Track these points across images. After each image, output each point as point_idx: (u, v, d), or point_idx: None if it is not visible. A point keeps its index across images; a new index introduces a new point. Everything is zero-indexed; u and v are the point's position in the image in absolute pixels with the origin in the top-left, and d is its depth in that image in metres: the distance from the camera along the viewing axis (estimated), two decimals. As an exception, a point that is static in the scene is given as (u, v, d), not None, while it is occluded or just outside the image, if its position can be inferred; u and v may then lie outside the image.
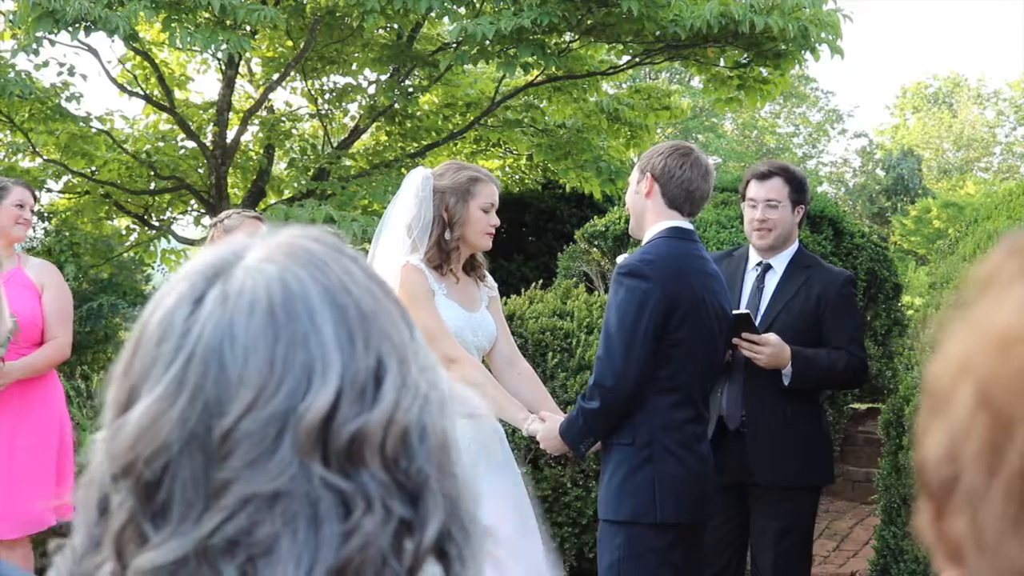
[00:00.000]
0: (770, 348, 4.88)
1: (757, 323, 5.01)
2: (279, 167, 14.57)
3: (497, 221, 4.83)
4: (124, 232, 14.61)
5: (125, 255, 14.29)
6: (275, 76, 12.83)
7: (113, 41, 10.45)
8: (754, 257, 5.31)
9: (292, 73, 12.87)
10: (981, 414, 0.64)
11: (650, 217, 4.58)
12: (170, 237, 14.07)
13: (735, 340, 4.89)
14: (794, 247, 5.29)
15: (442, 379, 1.13)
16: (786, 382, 4.99)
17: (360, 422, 1.03)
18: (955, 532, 0.65)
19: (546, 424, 4.55)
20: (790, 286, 5.20)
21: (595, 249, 9.14)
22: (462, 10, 11.16)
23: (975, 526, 0.64)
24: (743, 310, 4.99)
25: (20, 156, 12.64)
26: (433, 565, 1.08)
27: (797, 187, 5.22)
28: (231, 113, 12.99)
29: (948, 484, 0.66)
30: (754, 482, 5.11)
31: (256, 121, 13.51)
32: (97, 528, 1.07)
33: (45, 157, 12.66)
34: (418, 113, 13.57)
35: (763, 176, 5.21)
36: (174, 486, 1.03)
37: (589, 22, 11.21)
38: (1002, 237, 0.68)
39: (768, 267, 5.27)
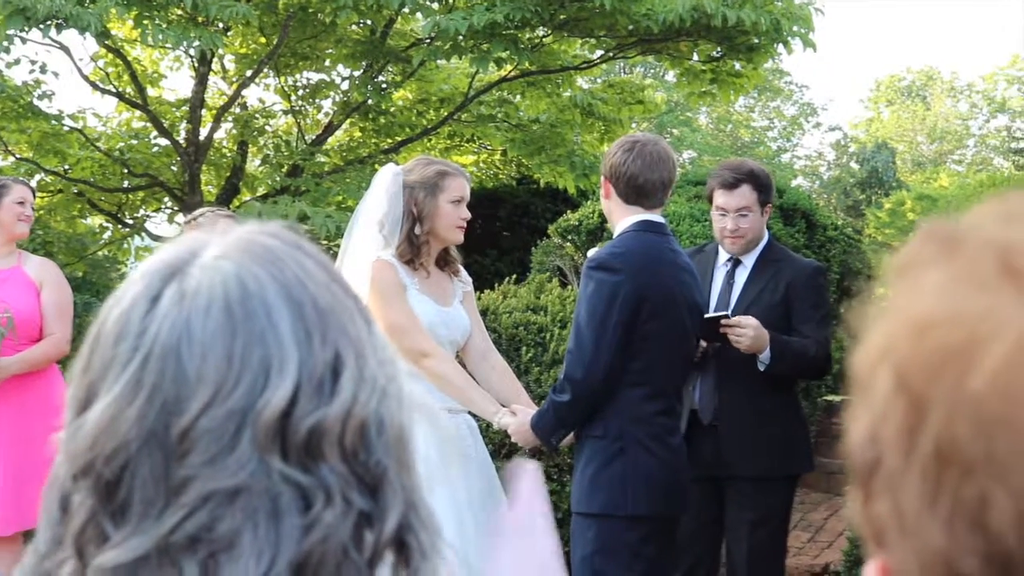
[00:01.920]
0: (752, 330, 4.88)
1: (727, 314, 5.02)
2: (253, 164, 14.54)
3: (468, 214, 4.82)
4: (98, 230, 14.55)
5: (99, 253, 14.23)
6: (248, 73, 12.80)
7: (85, 38, 10.41)
8: (724, 253, 5.29)
9: (265, 70, 12.84)
10: (898, 397, 0.66)
11: (616, 217, 4.59)
12: (144, 235, 14.02)
13: (721, 330, 4.89)
14: (764, 242, 5.28)
15: (400, 372, 1.14)
16: (762, 368, 4.98)
17: (318, 416, 1.03)
18: (879, 515, 0.67)
19: (517, 418, 4.55)
20: (759, 280, 5.18)
21: (569, 244, 9.15)
22: (435, 5, 11.16)
23: (895, 507, 0.66)
24: (719, 312, 4.98)
25: (-8, 155, 12.59)
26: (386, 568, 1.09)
27: (764, 189, 5.18)
28: (204, 110, 12.95)
29: (871, 467, 0.68)
30: (730, 475, 5.11)
31: (229, 118, 13.47)
32: (59, 527, 1.08)
33: (17, 155, 12.59)
34: (392, 109, 13.55)
35: (731, 185, 5.13)
36: (134, 484, 1.03)
37: (562, 17, 11.21)
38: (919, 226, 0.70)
39: (738, 263, 5.25)
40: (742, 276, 5.24)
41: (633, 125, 16.27)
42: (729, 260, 5.27)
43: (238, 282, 1.07)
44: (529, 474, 1.61)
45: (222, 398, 1.02)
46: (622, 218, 4.54)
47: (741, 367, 4.98)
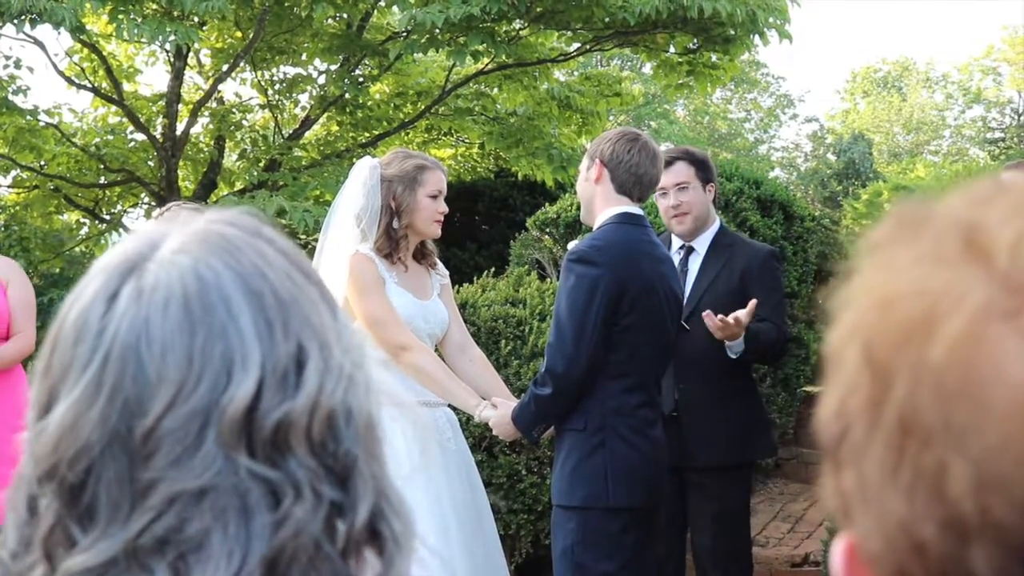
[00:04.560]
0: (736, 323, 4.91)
1: (684, 304, 5.02)
2: (230, 159, 14.49)
3: (445, 208, 4.83)
4: (74, 226, 14.51)
5: (76, 249, 14.19)
6: (224, 67, 12.76)
7: (59, 33, 10.35)
8: (676, 241, 5.36)
9: (242, 64, 12.80)
10: (865, 370, 0.68)
11: (599, 203, 4.57)
12: (121, 231, 13.98)
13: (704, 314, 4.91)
14: (715, 227, 5.35)
15: (367, 360, 1.13)
16: (733, 356, 5.01)
17: (284, 410, 1.03)
18: (846, 488, 0.70)
19: (498, 410, 4.54)
20: (712, 266, 5.24)
21: (547, 236, 9.14)
22: (411, -1, 11.14)
23: (859, 478, 0.69)
24: None
25: (-34, 151, 12.53)
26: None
27: (701, 166, 5.29)
28: (181, 105, 12.91)
29: (839, 440, 0.71)
30: (691, 466, 5.13)
31: (206, 113, 13.43)
32: (28, 528, 1.06)
33: (-8, 152, 12.55)
34: (369, 103, 13.52)
35: (666, 164, 5.16)
36: (99, 488, 1.02)
37: (538, 9, 11.20)
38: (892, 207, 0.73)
39: (691, 250, 5.32)
40: (695, 263, 5.30)
41: (611, 118, 16.29)
42: (682, 247, 5.33)
43: (196, 276, 1.05)
44: None
45: (184, 397, 1.01)
46: (605, 207, 4.54)
47: (697, 357, 5.03)
